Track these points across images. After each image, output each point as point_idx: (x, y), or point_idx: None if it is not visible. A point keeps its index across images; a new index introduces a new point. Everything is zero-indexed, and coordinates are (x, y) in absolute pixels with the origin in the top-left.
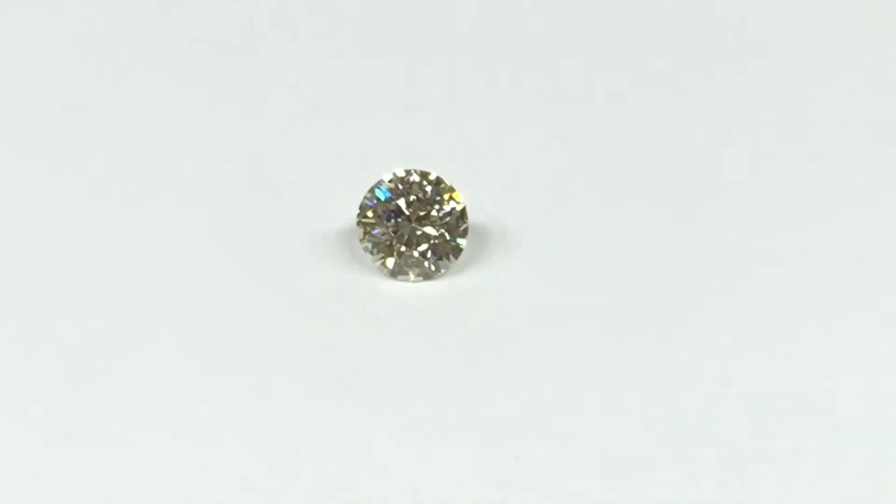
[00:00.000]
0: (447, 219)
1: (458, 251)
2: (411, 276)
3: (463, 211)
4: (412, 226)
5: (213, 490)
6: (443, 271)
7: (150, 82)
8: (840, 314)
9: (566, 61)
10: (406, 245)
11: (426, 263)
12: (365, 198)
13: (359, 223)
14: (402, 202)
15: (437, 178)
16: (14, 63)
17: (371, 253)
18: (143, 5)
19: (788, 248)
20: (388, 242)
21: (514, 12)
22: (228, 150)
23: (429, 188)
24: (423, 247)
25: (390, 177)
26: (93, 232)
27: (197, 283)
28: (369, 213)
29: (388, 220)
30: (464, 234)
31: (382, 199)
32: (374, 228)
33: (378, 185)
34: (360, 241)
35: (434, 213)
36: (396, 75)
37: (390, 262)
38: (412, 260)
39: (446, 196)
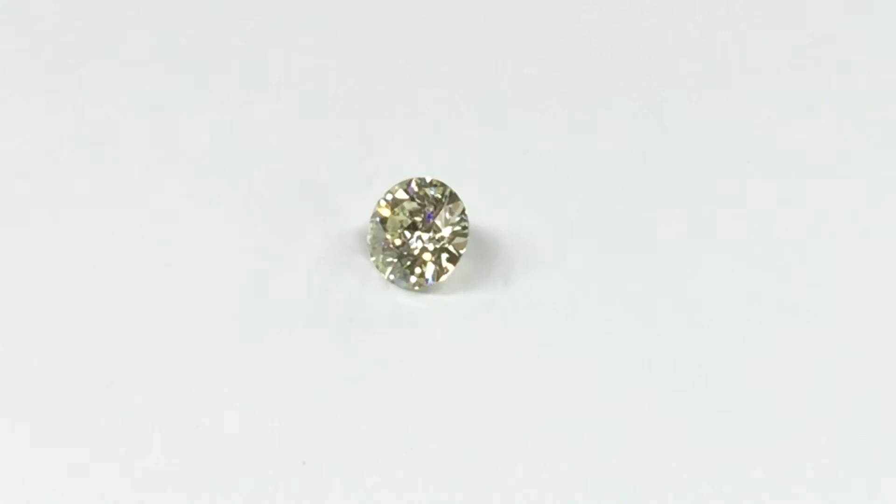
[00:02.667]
0: (444, 241)
1: (442, 273)
2: (385, 273)
3: (464, 238)
4: (415, 234)
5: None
6: (415, 285)
7: (159, 78)
8: (861, 327)
9: (576, 68)
10: (399, 248)
11: (405, 272)
12: (386, 195)
13: (372, 219)
14: (412, 207)
15: (457, 200)
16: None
17: (370, 247)
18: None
19: (812, 253)
20: (385, 241)
21: (526, 15)
22: (234, 151)
23: (443, 202)
24: (409, 259)
25: (409, 182)
26: (102, 230)
27: (193, 284)
28: (382, 212)
29: (396, 224)
30: (454, 259)
31: (400, 200)
32: (381, 227)
33: (397, 187)
34: (368, 238)
35: (437, 228)
36: (408, 77)
37: (378, 258)
38: (394, 263)
39: (456, 215)
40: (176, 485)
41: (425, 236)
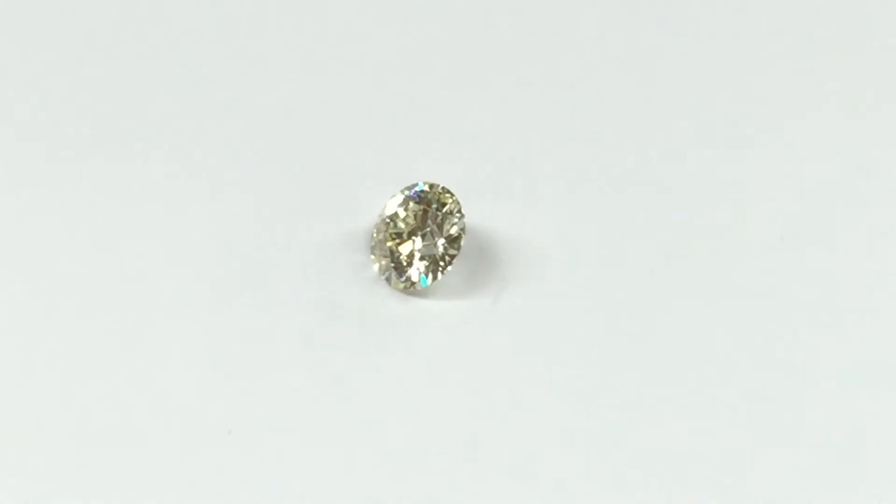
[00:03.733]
0: (438, 248)
1: (432, 279)
2: (380, 272)
3: (457, 251)
4: (413, 238)
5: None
6: (404, 287)
7: (168, 78)
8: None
9: (590, 80)
10: (396, 249)
11: (397, 273)
12: (396, 195)
13: (379, 217)
14: (418, 210)
15: (460, 211)
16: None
17: (372, 244)
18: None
19: (812, 265)
20: (384, 240)
21: (534, 23)
22: (241, 153)
23: (444, 209)
24: (403, 261)
25: (419, 186)
26: (104, 230)
27: (189, 262)
28: (388, 212)
29: (399, 224)
30: (444, 268)
31: (408, 202)
32: (384, 226)
33: (408, 188)
34: (372, 234)
35: (436, 235)
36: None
37: (376, 255)
38: (388, 263)
39: (456, 227)
40: (107, 426)
41: (422, 241)
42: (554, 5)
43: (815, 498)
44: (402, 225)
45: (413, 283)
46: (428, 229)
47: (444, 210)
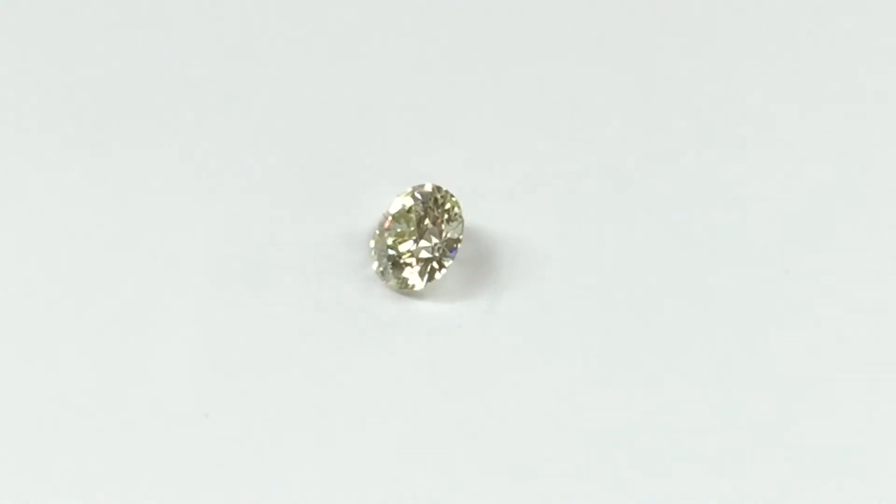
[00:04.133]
0: (435, 251)
1: (427, 281)
2: (373, 266)
3: (453, 254)
4: (412, 238)
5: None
6: (398, 287)
7: (169, 76)
8: (870, 363)
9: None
10: (393, 248)
11: (393, 272)
12: (399, 195)
13: (384, 214)
14: (420, 211)
15: (460, 216)
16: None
17: (373, 242)
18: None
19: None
20: (384, 239)
21: (537, 29)
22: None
23: (446, 211)
24: (400, 260)
25: (422, 188)
26: (104, 229)
27: (192, 253)
28: (392, 211)
29: (401, 224)
30: (439, 270)
31: (413, 201)
32: (387, 224)
33: (412, 189)
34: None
35: (435, 236)
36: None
37: (377, 254)
38: (385, 262)
39: (455, 231)
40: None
41: (420, 242)
42: (554, 5)
43: (814, 498)
44: (402, 225)
45: (409, 284)
46: (428, 230)
47: (445, 212)
